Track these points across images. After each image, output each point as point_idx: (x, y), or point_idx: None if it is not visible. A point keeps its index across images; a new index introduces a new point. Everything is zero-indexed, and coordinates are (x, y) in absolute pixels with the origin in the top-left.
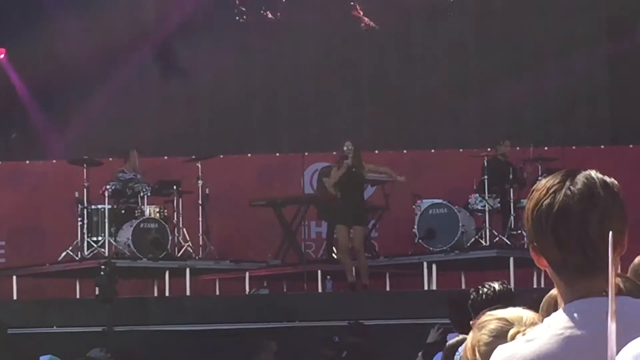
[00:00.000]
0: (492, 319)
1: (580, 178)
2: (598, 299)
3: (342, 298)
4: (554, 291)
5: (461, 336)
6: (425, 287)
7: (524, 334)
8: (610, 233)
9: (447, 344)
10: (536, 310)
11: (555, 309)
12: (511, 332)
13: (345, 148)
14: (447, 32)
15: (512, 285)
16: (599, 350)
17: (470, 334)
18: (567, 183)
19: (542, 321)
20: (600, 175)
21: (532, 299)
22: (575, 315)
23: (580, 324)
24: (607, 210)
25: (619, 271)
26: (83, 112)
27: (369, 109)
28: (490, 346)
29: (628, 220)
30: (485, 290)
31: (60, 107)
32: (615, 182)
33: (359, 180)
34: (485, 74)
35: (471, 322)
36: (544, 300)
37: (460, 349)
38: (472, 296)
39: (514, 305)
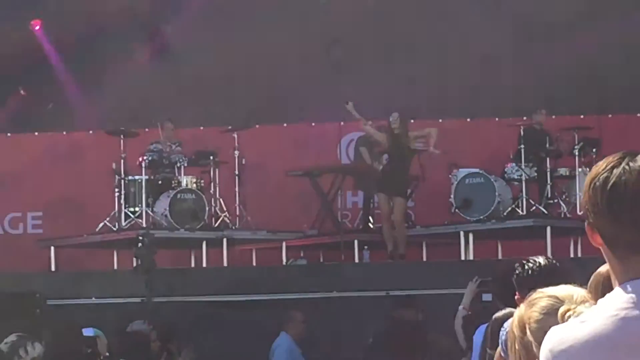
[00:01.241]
0: (542, 296)
1: None
2: None
3: (379, 268)
4: (602, 269)
5: (508, 310)
6: (462, 257)
7: (574, 312)
8: None
9: (494, 316)
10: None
11: (605, 287)
12: (561, 309)
13: (391, 119)
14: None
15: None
16: None
17: (518, 310)
18: (627, 160)
19: (592, 300)
20: None
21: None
22: (631, 295)
23: (635, 305)
24: None
25: None
26: (118, 83)
27: (404, 79)
28: (541, 324)
29: None
30: (530, 265)
31: (95, 78)
32: None
33: (404, 152)
34: (521, 41)
35: (515, 297)
36: (592, 278)
37: (506, 324)
38: (517, 271)
39: (560, 281)
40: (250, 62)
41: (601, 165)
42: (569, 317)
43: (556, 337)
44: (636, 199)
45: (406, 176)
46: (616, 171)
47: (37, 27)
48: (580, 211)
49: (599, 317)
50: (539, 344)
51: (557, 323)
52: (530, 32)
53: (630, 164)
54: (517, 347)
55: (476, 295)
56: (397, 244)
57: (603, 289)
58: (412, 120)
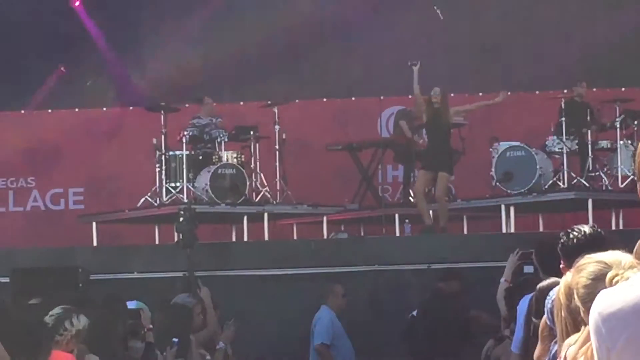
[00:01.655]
0: (590, 261)
1: None
2: None
3: (421, 241)
4: None
5: (553, 279)
6: (504, 230)
7: (622, 277)
8: None
9: (538, 286)
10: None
11: None
12: (609, 274)
13: (432, 93)
14: None
15: None
16: None
17: (564, 277)
18: None
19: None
20: None
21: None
22: None
23: None
24: None
25: None
26: (158, 58)
27: (445, 52)
28: (589, 289)
29: None
30: (575, 234)
31: (135, 54)
32: None
33: (446, 127)
34: (561, 14)
35: (561, 267)
36: (638, 244)
37: (552, 292)
38: (562, 240)
39: (605, 249)
40: (288, 37)
41: None
42: (617, 282)
43: (605, 300)
44: None
45: (448, 150)
46: None
47: (77, 3)
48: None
49: None
50: (587, 309)
51: (605, 288)
52: (570, 4)
53: None
54: (563, 314)
55: (518, 267)
56: (438, 218)
57: None
58: (452, 95)
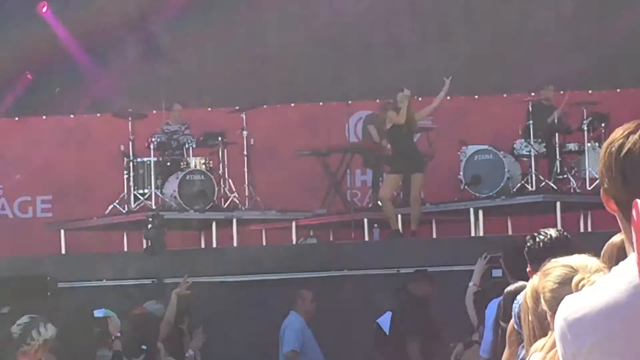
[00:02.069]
0: (557, 265)
1: None
2: None
3: (390, 246)
4: (615, 238)
5: (520, 283)
6: (472, 234)
7: (588, 281)
8: None
9: (506, 290)
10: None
11: (619, 256)
12: (575, 278)
13: (398, 97)
14: None
15: None
16: None
17: (531, 281)
18: None
19: (607, 269)
20: None
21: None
22: None
23: None
24: None
25: None
26: (126, 65)
27: (412, 57)
28: (556, 293)
29: None
30: (541, 237)
31: (103, 61)
32: None
33: (411, 130)
34: (529, 18)
35: (527, 270)
36: (605, 247)
37: (519, 296)
38: (528, 243)
39: (572, 253)
40: (255, 42)
41: (618, 132)
42: (583, 286)
43: (571, 306)
44: None
45: (417, 151)
46: (632, 138)
47: (45, 9)
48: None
49: (614, 285)
50: (554, 313)
51: (572, 292)
52: (537, 9)
53: None
54: (530, 318)
55: (486, 271)
56: (409, 220)
57: (617, 258)
58: (419, 99)
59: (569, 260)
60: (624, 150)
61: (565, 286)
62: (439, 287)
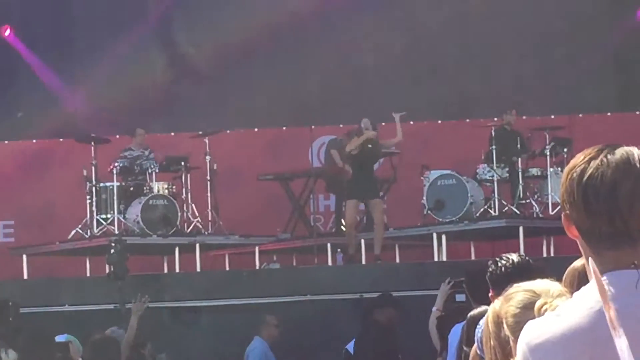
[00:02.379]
0: (519, 290)
1: (620, 150)
2: (627, 272)
3: (353, 271)
4: (577, 263)
5: (483, 307)
6: (435, 258)
7: (551, 306)
8: None
9: (469, 314)
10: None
11: (580, 281)
12: (538, 303)
13: (362, 124)
14: (451, 4)
15: None
16: (631, 324)
17: (493, 306)
18: (605, 152)
19: (568, 293)
20: None
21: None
22: (606, 288)
23: (611, 298)
24: None
25: None
26: (89, 90)
27: (374, 81)
28: (518, 318)
29: None
30: (503, 262)
31: (66, 84)
32: None
33: (373, 156)
34: (491, 43)
35: (490, 295)
36: (567, 272)
37: (482, 321)
38: (490, 268)
39: (533, 277)
40: (217, 67)
41: (579, 157)
42: (546, 310)
43: (533, 331)
44: (612, 191)
45: (374, 178)
46: (593, 163)
47: (7, 33)
48: (551, 212)
49: (576, 310)
50: (516, 338)
51: (534, 317)
52: (500, 34)
53: (609, 156)
54: (492, 343)
55: (449, 296)
56: (373, 245)
57: (579, 282)
58: (383, 124)
59: (532, 285)
60: (586, 176)
61: (527, 311)
62: (403, 312)
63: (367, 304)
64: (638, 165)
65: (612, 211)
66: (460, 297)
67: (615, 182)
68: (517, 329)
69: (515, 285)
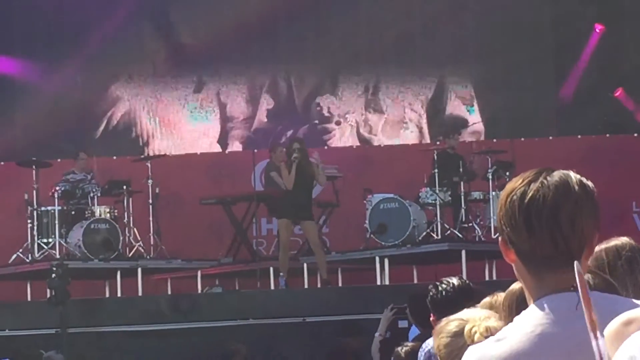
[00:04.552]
0: (448, 321)
1: (557, 173)
2: (567, 294)
3: (296, 295)
4: (514, 286)
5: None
6: (378, 282)
7: (479, 327)
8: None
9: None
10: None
11: (519, 305)
12: (467, 328)
13: (293, 146)
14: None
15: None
16: (572, 347)
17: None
18: (544, 175)
19: (504, 317)
20: (577, 175)
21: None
22: (546, 312)
23: (551, 321)
24: (581, 205)
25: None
26: (29, 113)
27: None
28: (450, 347)
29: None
30: (444, 286)
31: (5, 108)
32: (592, 185)
33: (307, 178)
34: (432, 65)
35: (431, 319)
36: (505, 295)
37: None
38: (431, 293)
39: (475, 301)
40: (158, 93)
41: (517, 180)
42: (475, 332)
43: (474, 356)
44: (553, 213)
45: (309, 200)
46: (533, 185)
47: None
48: (494, 235)
49: (516, 334)
50: None
51: (465, 343)
52: (442, 55)
53: (548, 178)
54: None
55: (392, 321)
56: (317, 270)
57: (517, 306)
58: (326, 147)
59: (459, 315)
60: (527, 198)
61: (458, 338)
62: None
63: (308, 330)
64: (576, 188)
65: (554, 232)
66: (403, 323)
67: (557, 204)
68: (451, 356)
69: (444, 319)
